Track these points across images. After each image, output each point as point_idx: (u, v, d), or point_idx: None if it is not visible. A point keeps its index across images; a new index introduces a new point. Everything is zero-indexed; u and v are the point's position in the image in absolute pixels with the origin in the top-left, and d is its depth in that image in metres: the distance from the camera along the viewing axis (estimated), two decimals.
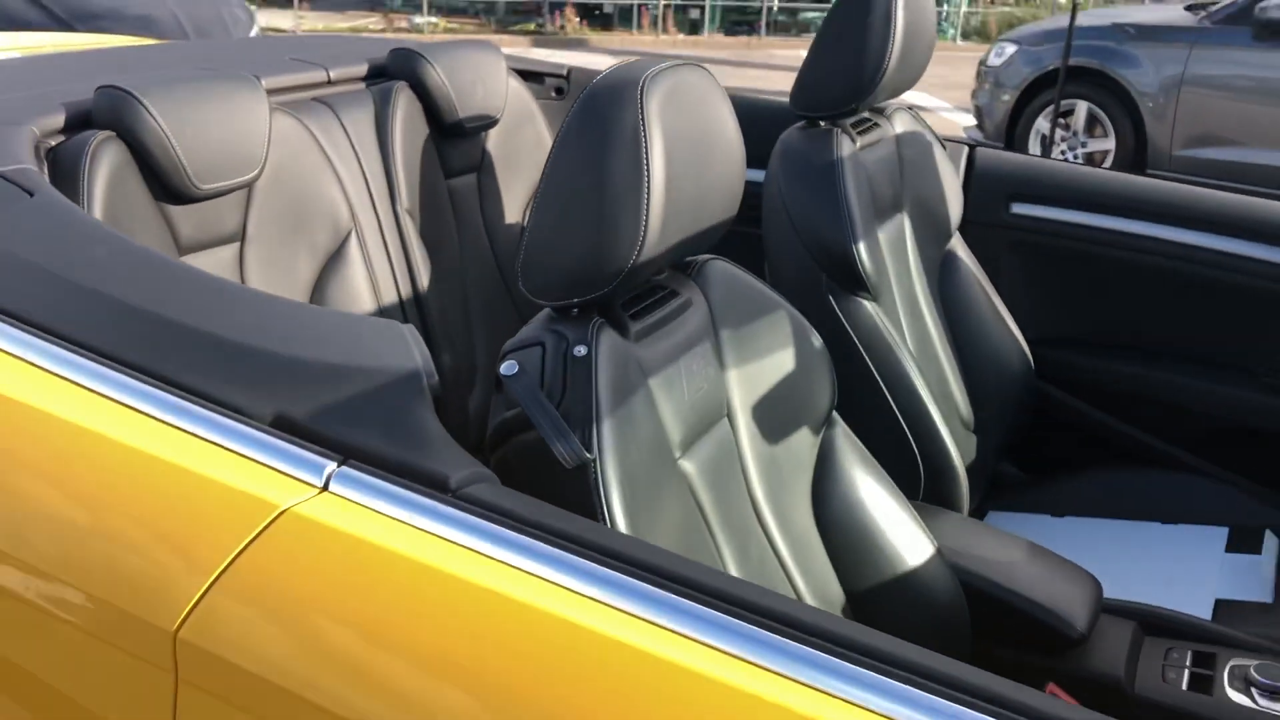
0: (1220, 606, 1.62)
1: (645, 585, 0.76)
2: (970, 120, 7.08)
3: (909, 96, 10.29)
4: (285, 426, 0.86)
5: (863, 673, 0.70)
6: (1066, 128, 6.20)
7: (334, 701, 0.75)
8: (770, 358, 1.29)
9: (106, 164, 1.37)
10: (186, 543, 0.82)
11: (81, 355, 0.93)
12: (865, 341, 1.63)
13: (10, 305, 0.99)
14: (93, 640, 0.84)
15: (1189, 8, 6.12)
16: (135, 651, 0.82)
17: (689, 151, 1.05)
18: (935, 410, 1.65)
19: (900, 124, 1.87)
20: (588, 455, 0.97)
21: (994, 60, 6.56)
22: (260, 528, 0.81)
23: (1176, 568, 1.71)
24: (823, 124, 1.68)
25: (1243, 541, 1.75)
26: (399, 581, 0.78)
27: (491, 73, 1.96)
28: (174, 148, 1.41)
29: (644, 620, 0.74)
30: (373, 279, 1.74)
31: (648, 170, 1.00)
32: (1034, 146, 6.28)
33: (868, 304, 1.64)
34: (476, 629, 0.75)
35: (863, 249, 1.60)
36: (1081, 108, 6.11)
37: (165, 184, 1.42)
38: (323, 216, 1.66)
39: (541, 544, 0.78)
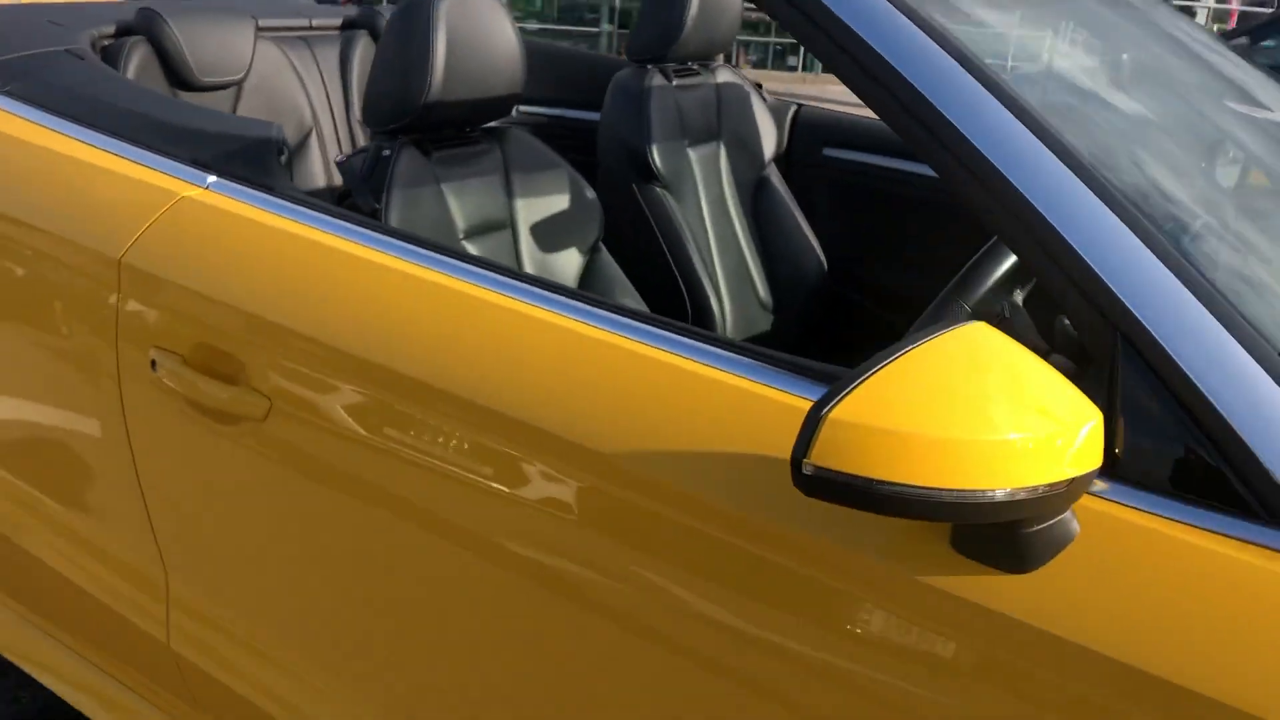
0: None
1: (395, 240, 1.40)
2: None
3: None
4: (198, 164, 1.55)
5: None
6: None
7: (222, 291, 1.42)
8: (549, 196, 1.94)
9: (138, 57, 2.09)
10: (126, 208, 1.51)
11: (103, 134, 1.63)
12: (656, 218, 2.27)
13: (67, 111, 1.69)
14: (59, 269, 1.53)
15: None
16: (88, 272, 1.50)
17: (468, 39, 1.71)
18: (702, 269, 2.28)
19: (722, 76, 2.51)
20: (375, 205, 1.64)
21: None
22: (172, 202, 1.49)
23: None
24: (649, 66, 2.34)
25: None
26: (248, 232, 1.45)
27: None
28: (184, 50, 2.12)
29: (391, 255, 1.38)
30: (327, 166, 2.44)
31: (432, 46, 1.66)
32: None
33: (659, 190, 2.28)
34: (296, 253, 1.41)
35: (656, 150, 2.26)
36: None
37: (177, 75, 2.14)
38: (290, 116, 2.36)
39: (330, 218, 1.44)
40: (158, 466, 1.52)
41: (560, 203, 1.95)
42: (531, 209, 1.92)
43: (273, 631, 1.48)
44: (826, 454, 0.87)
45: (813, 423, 0.87)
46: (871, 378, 0.89)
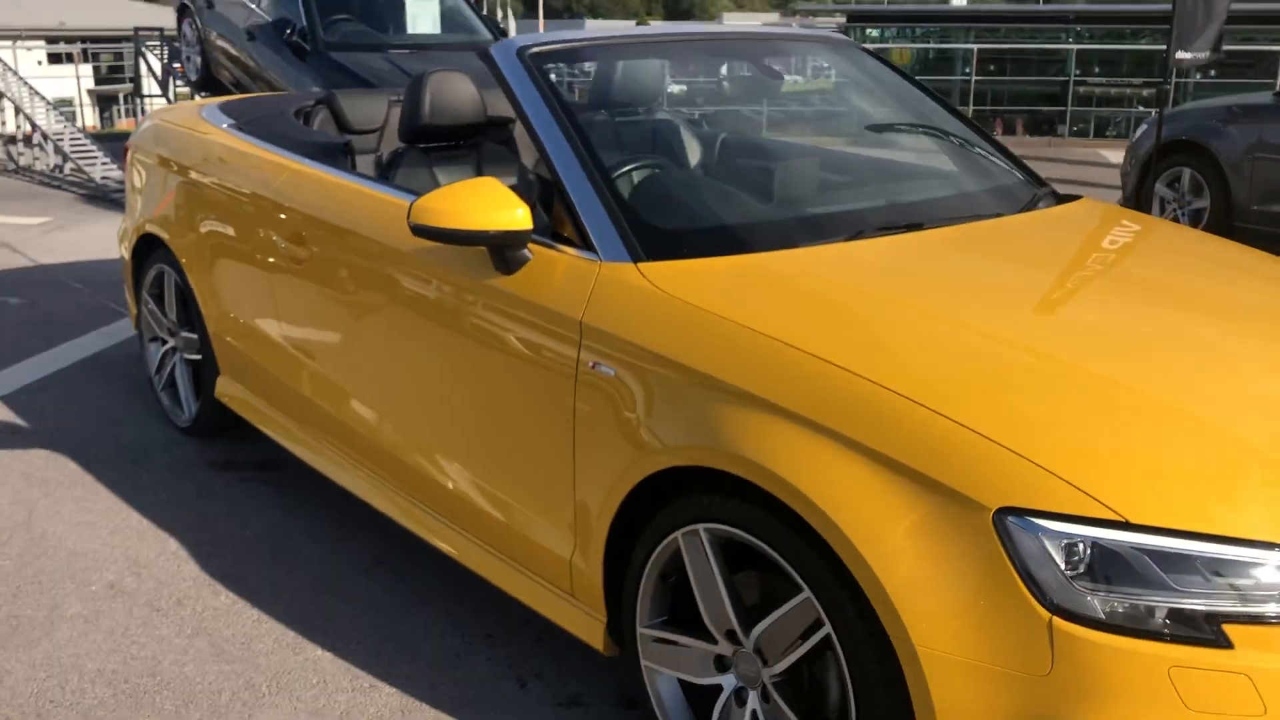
0: None
1: (378, 182, 3.08)
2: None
3: None
4: (304, 155, 3.30)
5: None
6: (1177, 190, 7.44)
7: (302, 206, 3.15)
8: (507, 178, 3.54)
9: (320, 116, 3.92)
10: (275, 175, 3.28)
11: (271, 143, 3.44)
12: None
13: (262, 135, 3.52)
14: (249, 204, 3.33)
15: (1277, 94, 7.19)
16: (261, 203, 3.28)
17: (444, 93, 3.36)
18: None
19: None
20: (385, 175, 3.32)
21: (1137, 135, 7.92)
22: (289, 171, 3.25)
23: None
24: None
25: None
26: (317, 184, 3.17)
27: None
28: (345, 112, 3.93)
29: (369, 188, 3.06)
30: None
31: (423, 97, 3.32)
32: (1155, 209, 7.54)
33: None
34: (335, 191, 3.13)
35: None
36: (1186, 174, 7.35)
37: (342, 125, 3.94)
38: None
39: (357, 176, 3.13)
40: (281, 289, 3.26)
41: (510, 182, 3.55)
42: None
43: (321, 358, 3.16)
44: (417, 216, 2.42)
45: (411, 206, 2.43)
46: (438, 190, 2.43)
